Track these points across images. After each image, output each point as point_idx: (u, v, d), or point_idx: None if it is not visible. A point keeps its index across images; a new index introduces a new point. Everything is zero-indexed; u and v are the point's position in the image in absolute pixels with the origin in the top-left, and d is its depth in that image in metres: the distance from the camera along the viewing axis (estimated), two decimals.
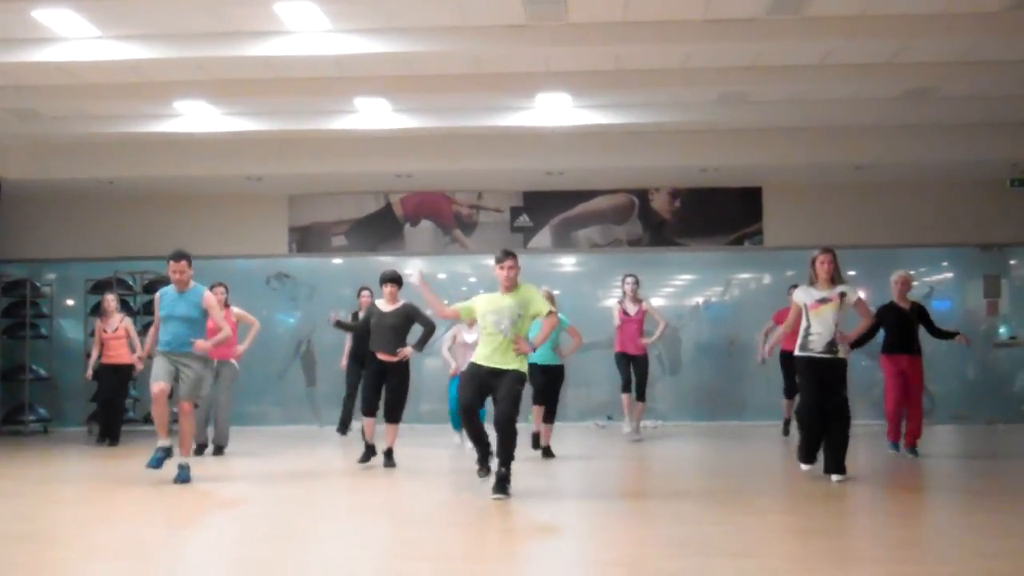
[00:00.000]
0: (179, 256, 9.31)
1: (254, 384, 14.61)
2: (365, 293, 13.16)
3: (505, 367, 8.27)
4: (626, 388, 12.83)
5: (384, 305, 10.45)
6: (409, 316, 10.38)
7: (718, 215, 15.39)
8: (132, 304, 15.21)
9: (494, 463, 8.33)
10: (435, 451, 11.93)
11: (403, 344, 10.33)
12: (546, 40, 9.94)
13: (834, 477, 8.87)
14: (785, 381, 13.25)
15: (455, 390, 11.71)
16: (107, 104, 12.20)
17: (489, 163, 14.05)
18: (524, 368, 8.39)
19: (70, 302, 16.36)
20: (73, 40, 9.96)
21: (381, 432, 10.46)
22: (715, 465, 10.86)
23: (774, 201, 15.37)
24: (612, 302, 13.52)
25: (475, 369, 8.42)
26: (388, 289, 10.37)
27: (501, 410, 8.16)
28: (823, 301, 9.02)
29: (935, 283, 16.19)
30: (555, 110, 12.54)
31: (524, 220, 15.51)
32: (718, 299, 16.36)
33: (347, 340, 13.34)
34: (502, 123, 12.88)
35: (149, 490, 8.86)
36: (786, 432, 13.89)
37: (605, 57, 10.73)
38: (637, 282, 12.83)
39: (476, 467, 8.84)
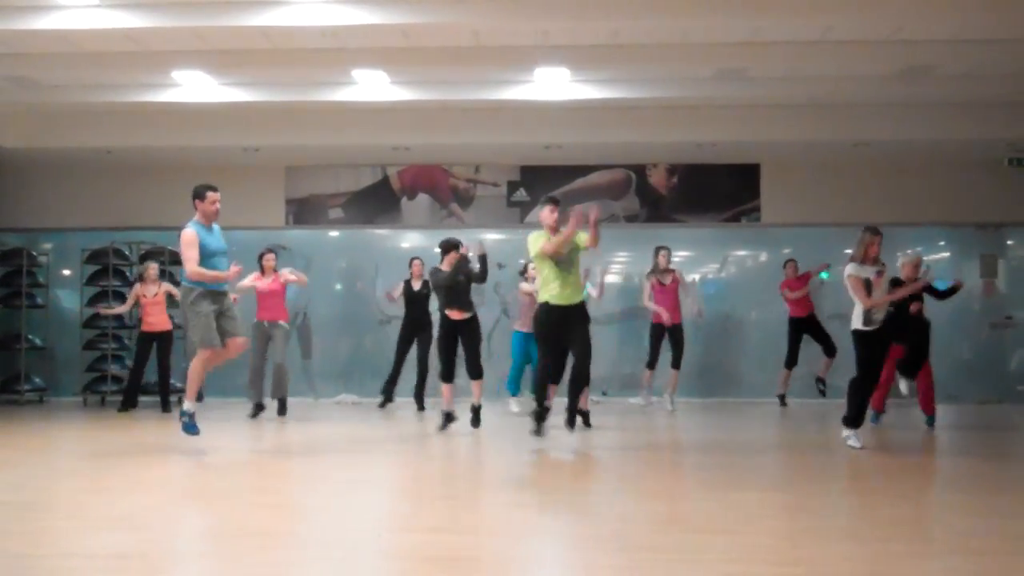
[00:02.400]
0: (215, 187, 9.65)
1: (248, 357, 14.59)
2: (416, 262, 13.74)
3: (575, 301, 9.49)
4: (651, 364, 13.53)
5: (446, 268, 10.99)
6: (467, 273, 10.93)
7: (715, 191, 15.38)
8: (128, 275, 15.21)
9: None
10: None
11: (470, 301, 10.99)
12: (545, 14, 9.91)
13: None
14: (789, 350, 13.60)
15: (518, 349, 12.85)
16: (105, 73, 12.14)
17: (487, 137, 14.02)
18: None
19: (66, 272, 16.33)
20: (71, 8, 9.92)
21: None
22: (708, 441, 10.88)
23: (772, 178, 15.35)
24: (642, 278, 13.78)
25: (547, 316, 9.42)
26: (451, 256, 10.94)
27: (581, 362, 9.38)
28: (880, 274, 9.63)
29: (932, 262, 16.17)
30: (553, 84, 12.50)
31: (521, 194, 15.50)
32: (715, 276, 16.36)
33: None
34: (500, 97, 12.83)
35: (150, 459, 8.90)
36: (783, 404, 14.00)
37: (603, 31, 10.69)
38: (670, 252, 13.37)
39: (534, 427, 9.53)
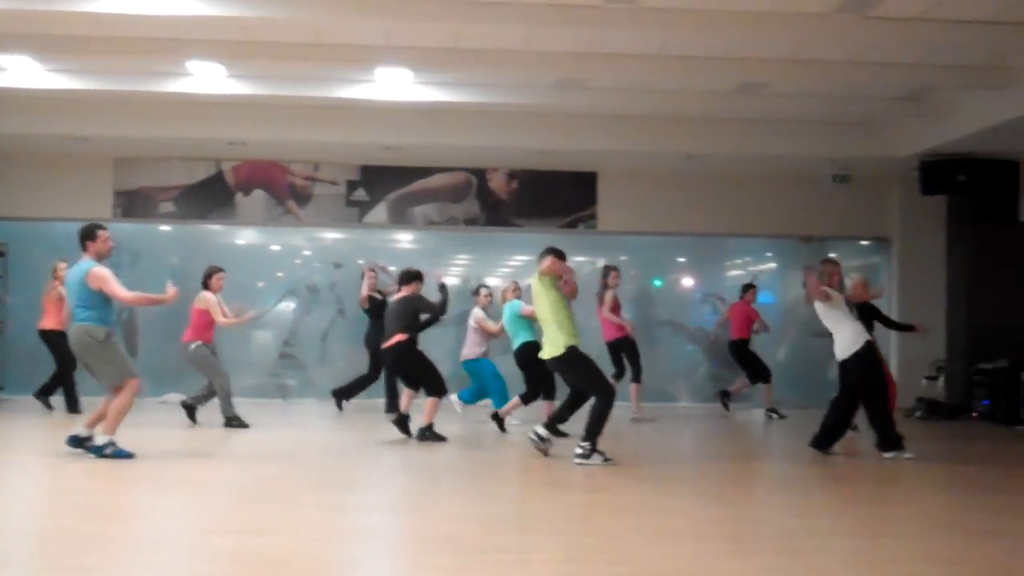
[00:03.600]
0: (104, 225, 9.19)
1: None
2: (371, 273, 13.45)
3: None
4: (637, 378, 13.14)
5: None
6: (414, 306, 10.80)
7: (554, 198, 15.57)
8: None
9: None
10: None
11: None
12: (387, 13, 9.86)
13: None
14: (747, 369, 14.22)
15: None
16: None
17: (326, 135, 13.87)
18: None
19: None
20: None
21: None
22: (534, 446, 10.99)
23: (608, 186, 15.64)
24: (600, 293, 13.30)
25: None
26: (414, 287, 10.80)
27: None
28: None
29: (759, 273, 16.75)
30: (395, 85, 12.46)
31: (360, 194, 15.38)
32: None
33: None
34: (341, 95, 12.74)
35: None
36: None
37: (445, 34, 10.70)
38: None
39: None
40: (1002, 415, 13.40)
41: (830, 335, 9.92)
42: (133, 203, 15.20)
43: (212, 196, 15.29)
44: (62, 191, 14.93)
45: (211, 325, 11.86)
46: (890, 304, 15.95)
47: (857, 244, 16.55)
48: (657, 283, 15.40)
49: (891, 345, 15.79)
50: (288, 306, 15.64)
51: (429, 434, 10.45)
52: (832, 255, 10.56)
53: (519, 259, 16.76)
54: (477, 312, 12.34)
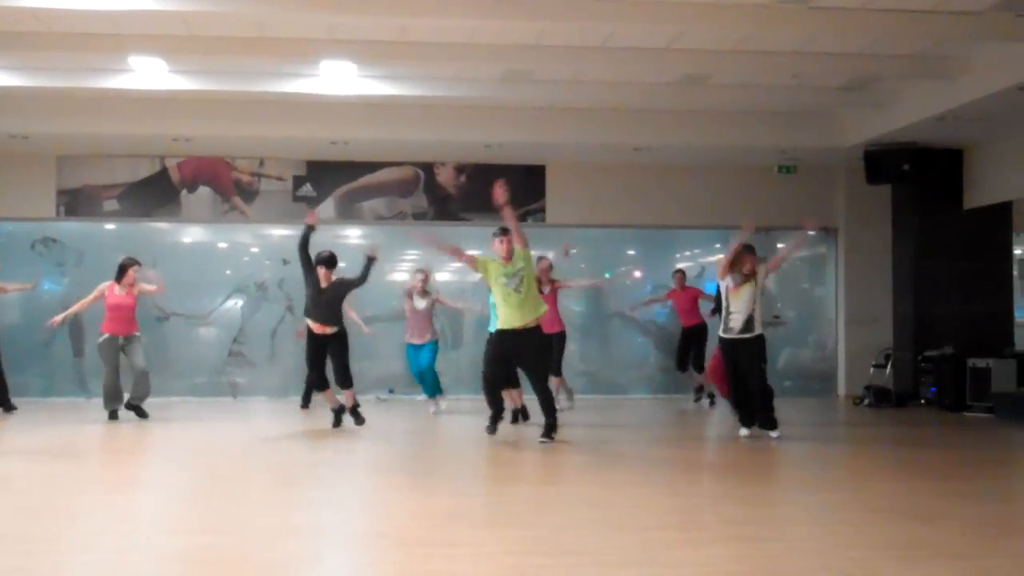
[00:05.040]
0: None
1: (18, 353, 13.86)
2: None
3: (529, 324, 9.76)
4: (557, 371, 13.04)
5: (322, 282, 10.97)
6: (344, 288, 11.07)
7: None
8: None
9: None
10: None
11: (339, 317, 11.05)
12: (331, 6, 9.78)
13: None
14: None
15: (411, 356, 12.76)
16: None
17: (271, 130, 13.72)
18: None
19: None
20: None
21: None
22: (488, 438, 10.98)
23: (557, 179, 15.64)
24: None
25: (500, 338, 9.84)
26: (323, 271, 10.88)
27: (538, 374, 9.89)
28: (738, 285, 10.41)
29: (707, 264, 16.82)
30: (340, 79, 12.36)
31: (307, 189, 15.26)
32: None
33: None
34: (285, 89, 12.60)
35: None
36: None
37: (390, 27, 10.62)
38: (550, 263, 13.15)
39: (487, 424, 10.42)
40: (949, 402, 13.56)
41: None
42: (77, 201, 14.97)
43: (157, 193, 15.09)
44: (4, 190, 14.67)
45: (114, 317, 12.00)
46: (837, 293, 16.13)
47: (804, 234, 16.61)
48: (607, 275, 15.39)
49: (839, 334, 15.97)
50: (236, 304, 15.48)
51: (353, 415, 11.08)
52: (749, 242, 10.68)
53: (468, 253, 16.70)
54: (421, 299, 12.41)
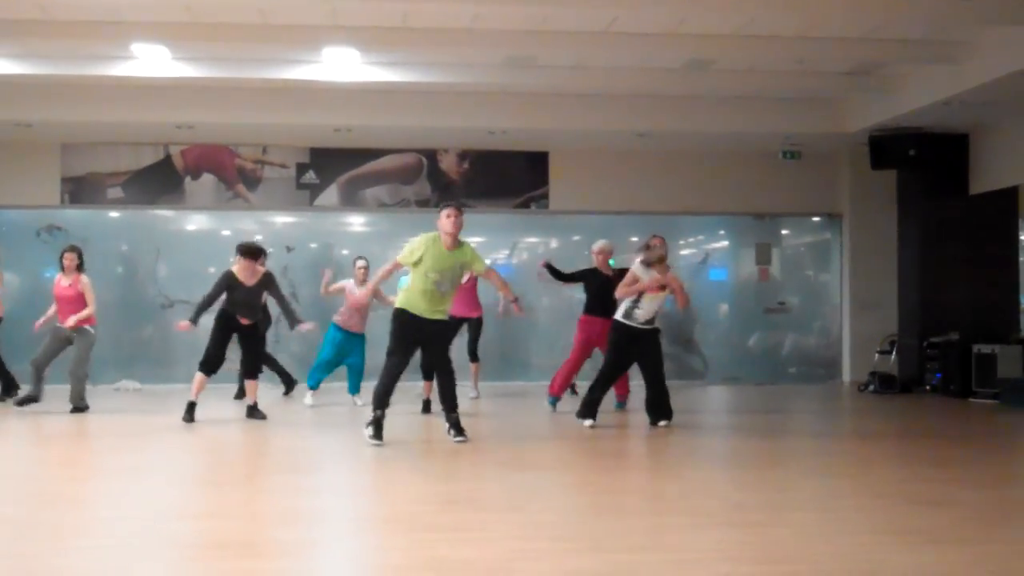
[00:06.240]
0: None
1: (24, 341, 13.84)
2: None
3: (442, 317, 8.90)
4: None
5: (247, 278, 10.76)
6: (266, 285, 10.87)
7: (506, 178, 15.52)
8: None
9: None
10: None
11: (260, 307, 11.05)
12: None
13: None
14: None
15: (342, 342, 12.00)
16: None
17: (274, 117, 13.71)
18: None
19: None
20: None
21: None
22: (493, 424, 10.99)
23: (560, 166, 15.61)
24: None
25: (409, 319, 8.74)
26: (249, 264, 10.73)
27: (444, 358, 8.99)
28: (662, 288, 9.96)
29: (711, 251, 16.82)
30: (342, 65, 12.34)
31: (311, 177, 15.25)
32: (505, 261, 16.50)
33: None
34: (288, 76, 12.60)
35: None
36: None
37: (392, 13, 10.59)
38: None
39: (370, 425, 8.82)
40: (955, 388, 13.53)
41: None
42: (81, 189, 14.98)
43: (161, 181, 15.10)
44: (8, 178, 14.69)
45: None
46: (842, 279, 16.11)
47: (809, 220, 16.65)
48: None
49: (844, 320, 15.94)
50: None
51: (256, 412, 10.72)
52: (657, 233, 10.53)
53: (472, 240, 16.56)
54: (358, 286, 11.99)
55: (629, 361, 10.37)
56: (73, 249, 11.55)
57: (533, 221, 16.10)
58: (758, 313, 16.41)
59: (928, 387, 14.20)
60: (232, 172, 15.17)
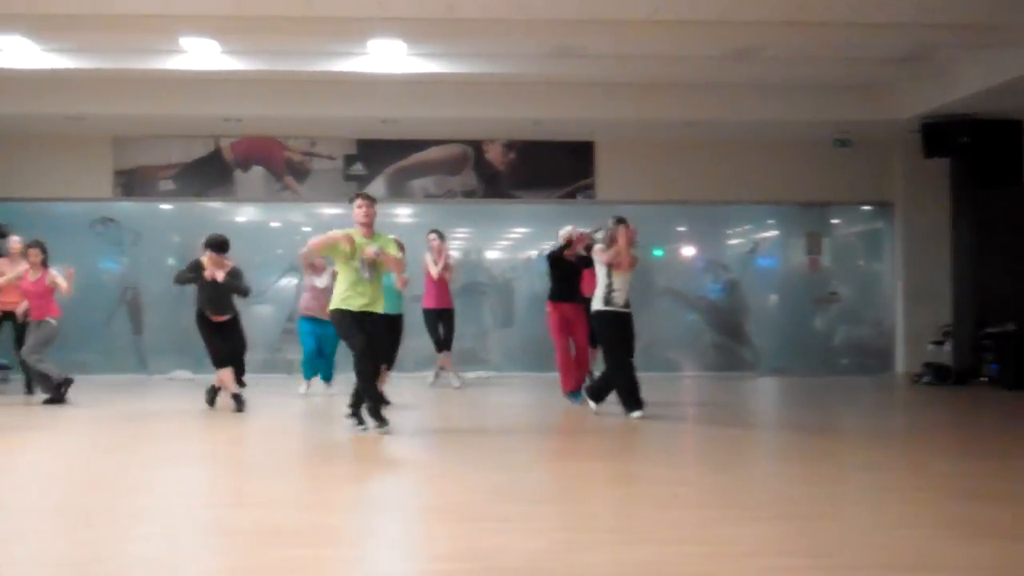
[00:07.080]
0: None
1: (79, 332, 14.05)
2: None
3: (378, 310, 8.87)
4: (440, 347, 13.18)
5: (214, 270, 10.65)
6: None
7: (551, 168, 15.47)
8: None
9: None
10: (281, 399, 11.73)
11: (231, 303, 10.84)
12: None
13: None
14: None
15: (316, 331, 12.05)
16: None
17: (322, 109, 13.77)
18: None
19: None
20: None
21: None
22: (539, 415, 10.97)
23: (606, 155, 15.54)
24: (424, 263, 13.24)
25: (349, 314, 8.73)
26: (215, 259, 10.63)
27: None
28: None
29: (760, 240, 16.68)
30: (389, 57, 12.35)
31: (358, 168, 15.30)
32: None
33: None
34: (335, 68, 12.63)
35: None
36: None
37: (438, 4, 10.56)
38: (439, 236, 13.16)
39: (351, 413, 9.04)
40: (1011, 379, 13.30)
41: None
42: (133, 182, 15.14)
43: (211, 173, 15.23)
44: (62, 171, 14.88)
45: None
46: (894, 269, 15.89)
47: (860, 209, 16.45)
48: (658, 252, 15.30)
49: (897, 310, 15.72)
50: (290, 282, 15.59)
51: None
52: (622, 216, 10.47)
53: (518, 231, 16.71)
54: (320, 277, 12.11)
55: (630, 341, 10.32)
56: (37, 244, 11.56)
57: (577, 211, 15.98)
58: (808, 303, 16.25)
59: (984, 378, 13.99)
60: (281, 164, 15.26)
